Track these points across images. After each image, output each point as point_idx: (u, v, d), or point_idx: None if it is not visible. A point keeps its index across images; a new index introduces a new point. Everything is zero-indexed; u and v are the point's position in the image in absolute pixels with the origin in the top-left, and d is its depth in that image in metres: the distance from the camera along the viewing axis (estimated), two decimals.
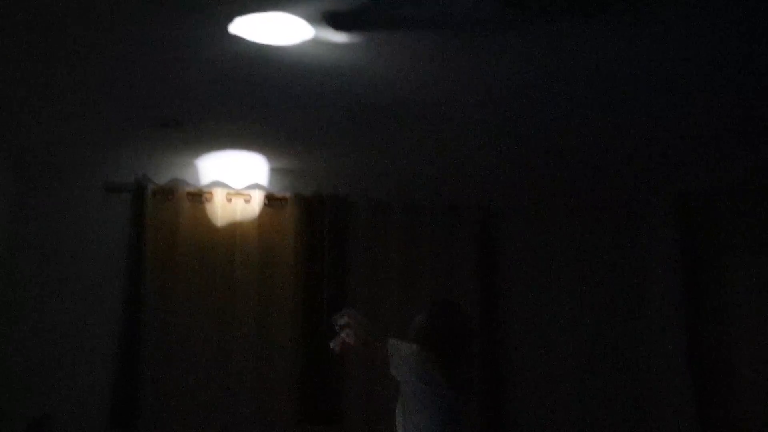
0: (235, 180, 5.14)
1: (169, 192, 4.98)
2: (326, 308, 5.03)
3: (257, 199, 5.11)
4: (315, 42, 3.00)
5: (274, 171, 5.19)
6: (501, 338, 5.27)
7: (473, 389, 3.09)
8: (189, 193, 5.02)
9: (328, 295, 5.06)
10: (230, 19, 2.81)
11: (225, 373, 4.90)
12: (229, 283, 4.97)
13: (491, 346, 5.22)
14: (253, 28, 2.89)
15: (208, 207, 5.03)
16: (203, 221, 5.00)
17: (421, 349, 2.96)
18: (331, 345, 3.06)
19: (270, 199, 5.14)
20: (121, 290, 4.81)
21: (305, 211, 5.17)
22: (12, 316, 4.64)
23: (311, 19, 2.81)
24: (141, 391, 4.74)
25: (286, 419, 4.94)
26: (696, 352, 4.41)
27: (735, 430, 3.94)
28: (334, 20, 2.82)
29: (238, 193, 5.10)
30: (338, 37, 2.97)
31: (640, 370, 5.20)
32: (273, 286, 5.05)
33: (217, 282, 4.96)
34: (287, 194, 5.18)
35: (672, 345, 4.78)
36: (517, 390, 5.24)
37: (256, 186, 5.16)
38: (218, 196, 5.06)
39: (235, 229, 5.04)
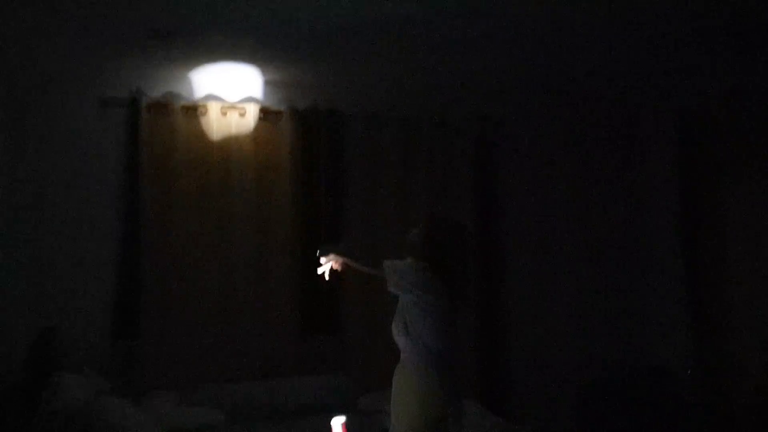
0: (229, 93, 5.09)
1: (164, 106, 4.94)
2: (323, 221, 5.08)
3: (252, 113, 5.08)
4: None
5: (268, 84, 5.13)
6: (498, 250, 5.35)
7: (470, 299, 3.15)
8: (184, 107, 4.98)
9: (325, 208, 5.10)
10: None
11: (225, 286, 4.98)
12: (226, 198, 5.00)
13: (488, 259, 5.30)
14: None
15: (203, 121, 5.00)
16: (198, 135, 4.98)
17: (418, 261, 3.02)
18: (321, 271, 3.20)
19: (265, 113, 5.11)
20: (118, 205, 4.83)
21: (301, 124, 5.14)
22: (12, 233, 4.67)
23: None
24: (143, 303, 4.82)
25: (288, 330, 5.05)
26: (693, 275, 4.44)
27: (730, 358, 4.00)
28: None
29: (232, 107, 5.06)
30: None
31: (637, 286, 5.24)
32: (270, 200, 5.07)
33: (213, 196, 4.98)
34: (282, 108, 5.14)
35: (669, 266, 4.81)
36: (513, 301, 5.34)
37: (251, 99, 5.11)
38: (213, 110, 5.02)
39: (230, 143, 5.02)
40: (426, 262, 3.02)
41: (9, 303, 4.57)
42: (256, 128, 5.07)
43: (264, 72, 4.94)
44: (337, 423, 3.17)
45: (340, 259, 3.21)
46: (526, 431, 3.60)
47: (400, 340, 3.08)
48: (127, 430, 3.47)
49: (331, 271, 3.23)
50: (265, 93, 5.15)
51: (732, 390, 3.78)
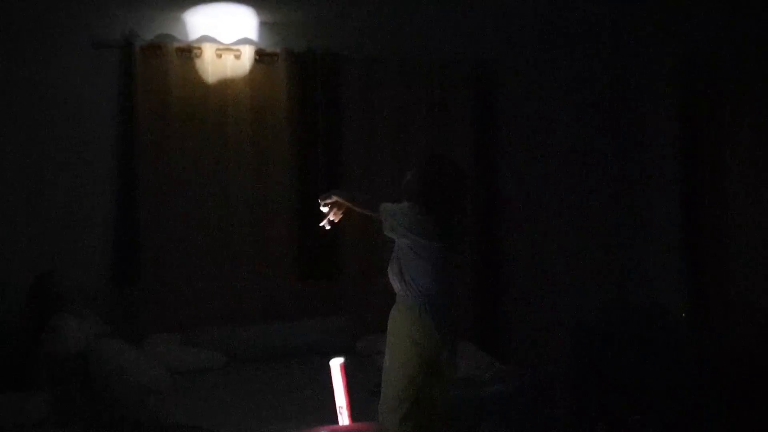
0: (224, 35, 5.00)
1: (158, 47, 4.84)
2: (321, 165, 5.05)
3: (247, 55, 4.99)
4: None
5: (264, 25, 5.03)
6: (494, 192, 5.33)
7: (465, 241, 3.15)
8: (178, 49, 4.88)
9: (322, 152, 5.07)
10: None
11: (223, 229, 4.98)
12: (222, 141, 4.95)
13: (484, 200, 5.28)
14: None
15: (198, 63, 4.91)
16: (193, 78, 4.90)
17: (413, 204, 3.01)
18: (322, 224, 3.22)
19: (260, 55, 5.02)
20: (114, 149, 4.80)
21: (297, 67, 5.06)
22: (7, 178, 4.64)
23: None
24: (141, 247, 4.82)
25: (286, 274, 5.06)
26: (691, 222, 4.42)
27: (726, 300, 4.00)
28: None
29: (227, 49, 4.97)
30: None
31: (635, 235, 5.23)
32: (266, 144, 5.03)
33: (209, 139, 4.93)
34: (278, 50, 5.05)
35: (667, 207, 4.78)
36: (509, 242, 5.34)
37: (246, 41, 5.02)
38: (208, 52, 4.93)
39: (225, 85, 4.95)
40: (422, 204, 3.01)
41: (6, 248, 4.57)
42: (252, 70, 4.99)
43: (259, 13, 4.84)
44: (336, 364, 3.20)
45: (342, 205, 3.20)
46: (521, 372, 3.64)
47: (395, 283, 3.09)
48: (129, 372, 3.51)
49: (331, 222, 3.23)
50: (261, 34, 5.06)
51: (728, 332, 3.81)
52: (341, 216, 3.25)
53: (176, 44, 4.88)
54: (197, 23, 4.93)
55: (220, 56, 4.94)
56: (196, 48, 4.90)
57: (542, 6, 4.64)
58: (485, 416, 3.18)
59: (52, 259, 4.57)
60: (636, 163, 5.28)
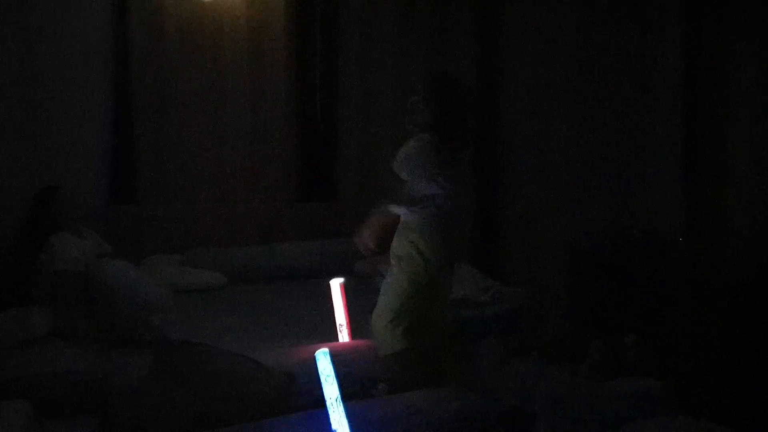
0: None
1: None
2: (319, 85, 4.98)
3: None
4: None
5: None
6: (495, 113, 5.24)
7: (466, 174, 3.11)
8: None
9: (321, 71, 5.00)
10: None
11: (221, 150, 4.96)
12: (219, 60, 4.88)
13: (485, 120, 5.19)
14: None
15: None
16: None
17: (432, 136, 2.88)
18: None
19: None
20: (112, 68, 4.72)
21: None
22: (4, 94, 4.57)
23: None
24: (139, 169, 4.81)
25: (284, 196, 5.06)
26: (692, 145, 4.35)
27: (725, 226, 3.97)
28: None
29: None
30: None
31: (634, 158, 5.14)
32: (264, 64, 4.96)
33: (206, 59, 4.86)
34: None
35: (667, 135, 4.68)
36: (508, 163, 5.27)
37: None
38: None
39: (222, 2, 4.84)
40: (441, 132, 2.88)
41: (5, 167, 4.54)
42: None
43: None
44: (336, 283, 3.23)
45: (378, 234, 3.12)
46: (519, 293, 3.69)
47: (400, 209, 3.05)
48: (132, 290, 3.53)
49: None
50: None
51: (726, 257, 3.84)
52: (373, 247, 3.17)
53: None
54: None
55: None
56: None
57: None
58: (484, 336, 3.23)
59: (51, 179, 4.54)
60: (637, 86, 5.17)
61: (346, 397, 2.76)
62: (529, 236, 4.78)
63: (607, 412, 2.48)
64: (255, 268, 4.71)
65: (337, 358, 2.91)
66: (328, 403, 2.22)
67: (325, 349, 2.39)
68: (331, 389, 2.26)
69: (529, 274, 4.42)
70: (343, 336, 3.18)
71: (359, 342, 3.13)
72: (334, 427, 2.15)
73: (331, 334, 3.26)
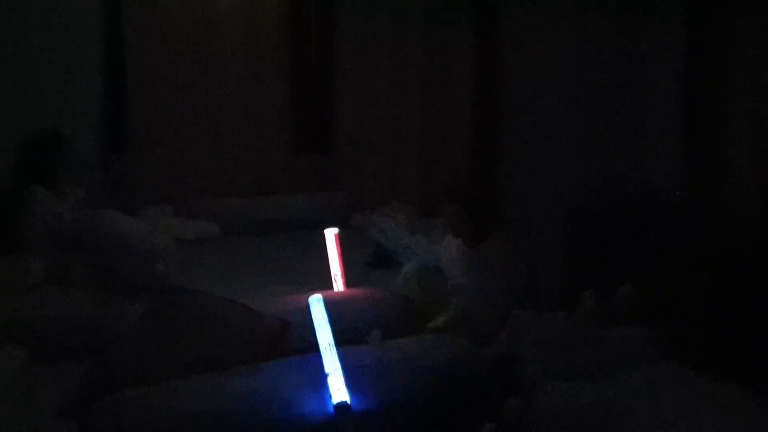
0: None
1: None
2: (315, 34, 4.90)
3: None
4: None
5: None
6: (495, 62, 5.17)
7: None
8: None
9: (316, 21, 4.91)
10: None
11: (215, 100, 4.91)
12: (215, 11, 4.80)
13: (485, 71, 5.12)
14: None
15: None
16: None
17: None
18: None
19: None
20: (103, 16, 4.64)
21: None
22: None
23: None
24: (131, 118, 4.76)
25: (280, 147, 5.03)
26: (692, 98, 4.29)
27: (724, 177, 3.92)
28: None
29: None
30: None
31: (634, 111, 5.08)
32: (259, 12, 4.87)
33: (200, 3, 4.78)
34: None
35: (668, 88, 4.61)
36: (507, 114, 5.21)
37: None
38: None
39: None
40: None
41: None
42: None
43: None
44: (330, 233, 3.22)
45: None
46: (512, 241, 3.67)
47: None
48: (131, 239, 3.51)
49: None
50: None
51: (723, 211, 3.82)
52: None
53: None
54: None
55: None
56: None
57: None
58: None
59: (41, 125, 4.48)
60: (637, 36, 5.09)
61: (340, 343, 2.79)
62: (526, 186, 4.75)
63: (600, 358, 2.49)
64: (250, 219, 4.69)
65: (331, 306, 2.94)
66: (321, 348, 2.22)
67: (319, 296, 2.39)
68: (324, 335, 2.26)
69: (524, 223, 4.41)
70: (338, 285, 3.17)
71: (354, 291, 3.13)
72: (327, 371, 2.15)
73: (326, 284, 3.26)
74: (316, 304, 2.35)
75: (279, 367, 2.23)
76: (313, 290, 3.22)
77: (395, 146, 4.88)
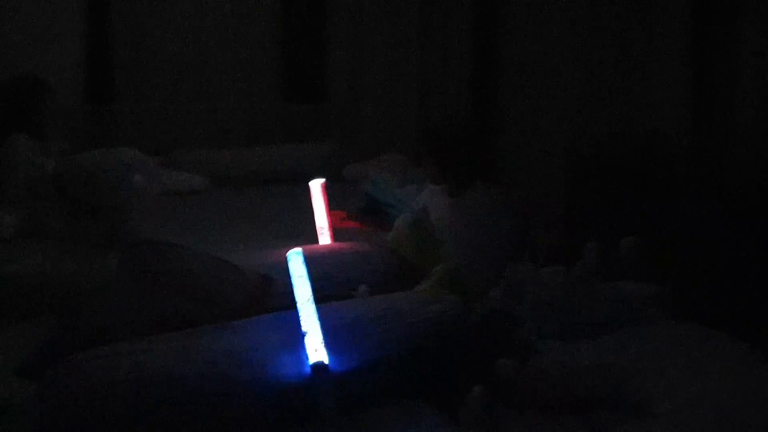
0: None
1: None
2: None
3: None
4: None
5: None
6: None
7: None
8: None
9: None
10: None
11: (204, 46, 4.72)
12: None
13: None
14: None
15: None
16: None
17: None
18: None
19: None
20: None
21: None
22: None
23: None
24: (116, 65, 4.57)
25: (270, 96, 4.85)
26: (701, 43, 4.06)
27: (733, 125, 3.73)
28: None
29: None
30: None
31: (640, 55, 4.85)
32: None
33: None
34: None
35: (675, 32, 4.38)
36: (508, 55, 4.99)
37: None
38: None
39: None
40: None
41: None
42: None
43: None
44: (316, 184, 3.04)
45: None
46: (515, 195, 3.49)
47: None
48: (105, 157, 3.35)
49: None
50: None
51: (733, 159, 3.62)
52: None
53: None
54: None
55: None
56: None
57: None
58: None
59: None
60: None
61: (324, 299, 2.64)
62: (526, 133, 4.54)
63: (600, 315, 2.32)
64: (239, 170, 4.52)
65: (315, 261, 2.77)
66: (299, 304, 2.05)
67: (298, 249, 2.22)
68: (302, 290, 2.09)
69: (524, 171, 4.22)
70: (324, 239, 3.00)
71: (341, 244, 2.96)
72: (304, 328, 1.98)
73: (315, 237, 3.09)
74: (295, 258, 2.17)
75: (253, 325, 2.07)
76: (301, 244, 3.07)
77: (390, 93, 4.67)
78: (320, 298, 2.59)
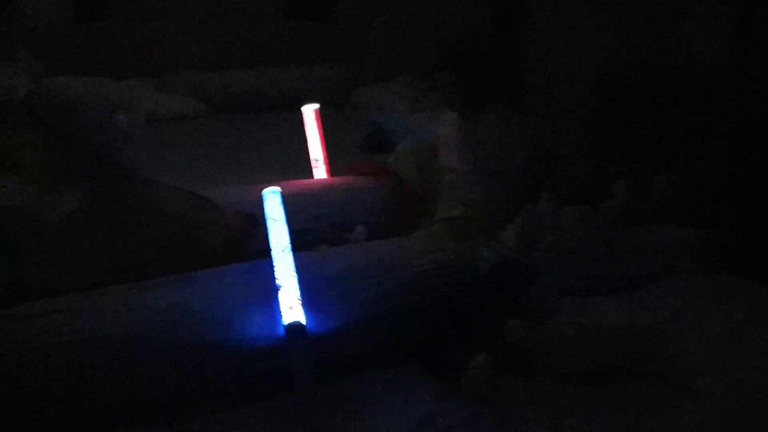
0: None
1: None
2: None
3: None
4: None
5: None
6: None
7: None
8: None
9: None
10: None
11: None
12: None
13: None
14: None
15: None
16: None
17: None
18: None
19: None
20: None
21: None
22: None
23: None
24: None
25: (273, 13, 4.51)
26: None
27: None
28: None
29: None
30: None
31: None
32: None
33: None
34: None
35: None
36: None
37: None
38: None
39: None
40: None
41: None
42: None
43: None
44: (309, 110, 2.70)
45: None
46: (543, 125, 3.11)
47: None
48: (86, 91, 3.02)
49: None
50: None
51: None
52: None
53: None
54: None
55: None
56: None
57: None
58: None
59: None
60: None
61: (313, 243, 2.33)
62: (552, 56, 4.11)
63: (628, 266, 1.99)
64: (237, 95, 4.20)
65: (306, 198, 2.46)
66: (273, 254, 1.75)
67: (276, 188, 1.90)
68: (278, 236, 1.78)
69: (548, 98, 3.83)
70: (320, 172, 2.68)
71: (335, 179, 2.63)
72: (279, 282, 1.69)
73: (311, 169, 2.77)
74: (271, 198, 1.86)
75: (220, 277, 1.77)
76: (295, 177, 2.76)
77: (404, 10, 4.26)
78: (308, 242, 2.32)
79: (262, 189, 2.54)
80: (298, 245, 2.27)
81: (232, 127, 3.86)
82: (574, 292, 1.88)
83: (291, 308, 1.65)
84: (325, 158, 2.68)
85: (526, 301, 1.82)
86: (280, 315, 1.65)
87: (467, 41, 4.20)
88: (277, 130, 3.73)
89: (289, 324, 1.63)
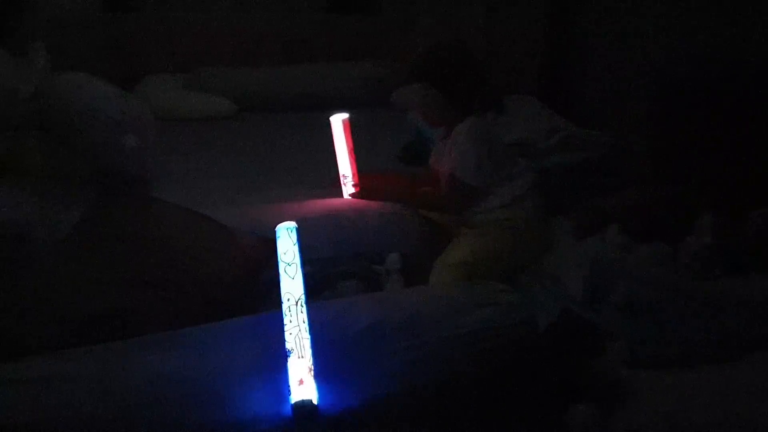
0: None
1: None
2: None
3: None
4: None
5: None
6: None
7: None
8: None
9: None
10: None
11: None
12: None
13: None
14: None
15: None
16: None
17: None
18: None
19: None
20: None
21: None
22: None
23: None
24: None
25: (310, 6, 4.24)
26: None
27: None
28: None
29: None
30: None
31: None
32: None
33: None
34: None
35: None
36: None
37: None
38: None
39: None
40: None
41: None
42: None
43: None
44: (337, 120, 2.38)
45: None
46: (600, 139, 2.75)
47: None
48: (95, 102, 2.76)
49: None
50: None
51: None
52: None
53: None
54: None
55: None
56: None
57: None
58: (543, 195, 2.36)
59: None
60: None
61: (341, 276, 2.02)
62: (611, 64, 3.68)
63: (728, 328, 1.62)
64: (271, 93, 3.92)
65: (329, 222, 2.15)
66: (284, 308, 1.43)
67: (291, 224, 1.57)
68: (291, 285, 1.46)
69: (608, 112, 3.44)
70: (348, 190, 2.36)
71: (371, 203, 2.29)
72: (288, 346, 1.37)
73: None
74: (284, 236, 1.54)
75: (213, 337, 1.45)
76: (322, 194, 2.44)
77: (452, 4, 3.92)
78: (333, 277, 2.01)
79: (284, 208, 2.25)
80: (319, 281, 1.98)
81: (261, 129, 3.57)
82: (655, 364, 1.51)
83: (300, 381, 1.33)
84: (353, 173, 2.35)
85: (593, 376, 1.46)
86: (288, 390, 1.33)
87: (518, 43, 3.85)
88: (309, 135, 3.40)
89: (296, 402, 1.31)
